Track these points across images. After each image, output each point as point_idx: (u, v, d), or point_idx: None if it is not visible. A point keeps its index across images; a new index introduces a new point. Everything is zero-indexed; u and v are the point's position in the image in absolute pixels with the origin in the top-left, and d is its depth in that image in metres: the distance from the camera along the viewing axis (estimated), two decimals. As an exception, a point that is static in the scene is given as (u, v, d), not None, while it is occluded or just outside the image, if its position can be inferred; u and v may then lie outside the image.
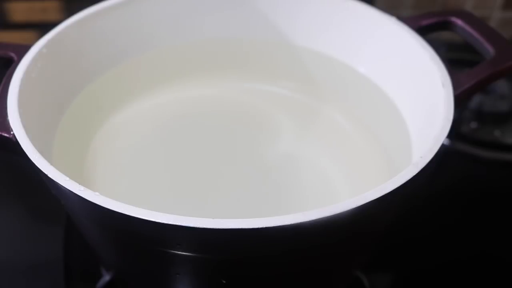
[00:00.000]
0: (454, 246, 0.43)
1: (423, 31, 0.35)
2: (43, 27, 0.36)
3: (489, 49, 0.33)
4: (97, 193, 0.24)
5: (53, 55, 0.34)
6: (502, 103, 0.53)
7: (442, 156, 0.27)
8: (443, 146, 0.27)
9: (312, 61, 0.41)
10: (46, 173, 0.26)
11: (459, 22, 0.35)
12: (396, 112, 0.36)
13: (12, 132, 0.28)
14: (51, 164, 0.26)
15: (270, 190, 0.35)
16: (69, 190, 0.25)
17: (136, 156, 0.37)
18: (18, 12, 0.60)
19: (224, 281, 0.28)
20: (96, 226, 0.29)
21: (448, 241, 0.43)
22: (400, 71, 0.36)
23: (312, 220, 0.23)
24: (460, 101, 0.31)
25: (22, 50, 0.33)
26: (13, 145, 0.28)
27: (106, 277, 0.39)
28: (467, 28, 0.35)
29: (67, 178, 0.25)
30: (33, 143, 0.27)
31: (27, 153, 0.27)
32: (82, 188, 0.25)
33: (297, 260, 0.28)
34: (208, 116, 0.40)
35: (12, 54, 0.33)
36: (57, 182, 0.25)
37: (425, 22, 0.36)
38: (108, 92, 0.39)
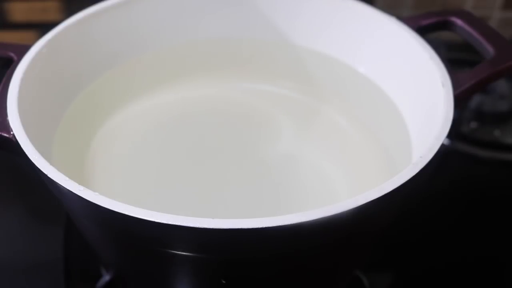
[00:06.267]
0: (454, 246, 0.43)
1: (423, 31, 0.35)
2: (43, 27, 0.36)
3: (489, 49, 0.33)
4: (96, 193, 0.24)
5: (53, 55, 0.34)
6: (502, 103, 0.53)
7: (442, 156, 0.27)
8: (443, 146, 0.27)
9: (312, 61, 0.41)
10: (46, 173, 0.26)
11: (459, 22, 0.35)
12: (396, 112, 0.36)
13: (12, 132, 0.28)
14: (51, 164, 0.26)
15: (270, 190, 0.35)
16: (69, 190, 0.25)
17: (136, 156, 0.37)
18: (18, 12, 0.60)
19: (223, 281, 0.28)
20: (96, 226, 0.29)
21: (448, 241, 0.43)
22: (400, 71, 0.36)
23: (312, 220, 0.23)
24: (460, 101, 0.31)
25: (22, 50, 0.33)
26: (13, 145, 0.28)
27: (106, 277, 0.39)
28: (467, 28, 0.35)
29: (67, 178, 0.25)
30: (33, 143, 0.27)
31: (27, 153, 0.27)
32: (82, 188, 0.25)
33: (297, 259, 0.28)
34: (208, 116, 0.40)
35: (12, 54, 0.33)
36: (57, 182, 0.25)
37: (425, 22, 0.36)
38: (108, 92, 0.39)
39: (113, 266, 0.37)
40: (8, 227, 0.43)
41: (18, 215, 0.44)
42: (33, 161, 0.26)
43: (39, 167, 0.26)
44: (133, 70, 0.40)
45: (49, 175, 0.26)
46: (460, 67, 0.34)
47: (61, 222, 0.42)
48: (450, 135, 0.28)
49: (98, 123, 0.38)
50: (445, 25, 0.36)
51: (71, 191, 0.25)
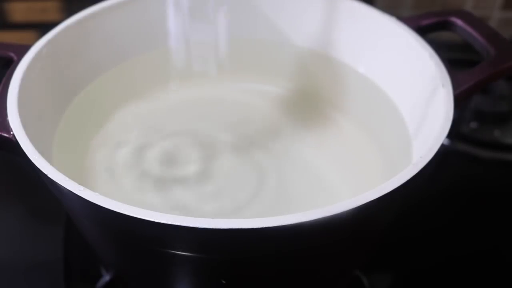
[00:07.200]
0: (453, 246, 0.43)
1: (423, 31, 0.35)
2: (43, 27, 0.36)
3: (489, 49, 0.33)
4: (97, 193, 0.24)
5: (53, 55, 0.34)
6: (502, 103, 0.53)
7: (442, 156, 0.27)
8: (443, 146, 0.27)
9: (312, 61, 0.41)
10: (46, 173, 0.26)
11: (459, 22, 0.35)
12: (396, 112, 0.36)
13: (12, 132, 0.28)
14: (51, 164, 0.26)
15: (270, 190, 0.35)
16: (69, 190, 0.25)
17: (136, 156, 0.37)
18: (18, 12, 0.60)
19: (223, 281, 0.28)
20: (96, 226, 0.29)
21: (448, 240, 0.43)
22: (400, 71, 0.36)
23: (312, 220, 0.23)
24: (460, 101, 0.31)
25: (22, 50, 0.33)
26: (13, 145, 0.28)
27: (106, 277, 0.39)
28: (467, 28, 0.35)
29: (67, 178, 0.25)
30: (33, 143, 0.27)
31: (27, 153, 0.27)
32: (82, 188, 0.25)
33: (297, 260, 0.28)
34: (208, 116, 0.40)
35: (12, 54, 0.33)
36: (57, 182, 0.25)
37: (425, 22, 0.36)
38: (108, 92, 0.39)
39: (113, 266, 0.37)
40: (8, 227, 0.43)
41: (18, 215, 0.44)
42: (33, 161, 0.26)
43: (39, 167, 0.26)
44: (133, 70, 0.40)
45: (49, 175, 0.26)
46: (460, 67, 0.34)
47: (61, 222, 0.42)
48: (450, 135, 0.28)
49: (98, 123, 0.38)
50: (445, 25, 0.36)
51: (71, 191, 0.25)
